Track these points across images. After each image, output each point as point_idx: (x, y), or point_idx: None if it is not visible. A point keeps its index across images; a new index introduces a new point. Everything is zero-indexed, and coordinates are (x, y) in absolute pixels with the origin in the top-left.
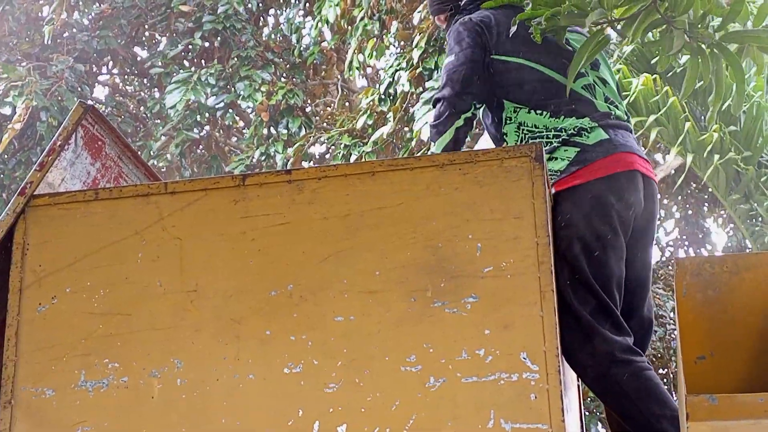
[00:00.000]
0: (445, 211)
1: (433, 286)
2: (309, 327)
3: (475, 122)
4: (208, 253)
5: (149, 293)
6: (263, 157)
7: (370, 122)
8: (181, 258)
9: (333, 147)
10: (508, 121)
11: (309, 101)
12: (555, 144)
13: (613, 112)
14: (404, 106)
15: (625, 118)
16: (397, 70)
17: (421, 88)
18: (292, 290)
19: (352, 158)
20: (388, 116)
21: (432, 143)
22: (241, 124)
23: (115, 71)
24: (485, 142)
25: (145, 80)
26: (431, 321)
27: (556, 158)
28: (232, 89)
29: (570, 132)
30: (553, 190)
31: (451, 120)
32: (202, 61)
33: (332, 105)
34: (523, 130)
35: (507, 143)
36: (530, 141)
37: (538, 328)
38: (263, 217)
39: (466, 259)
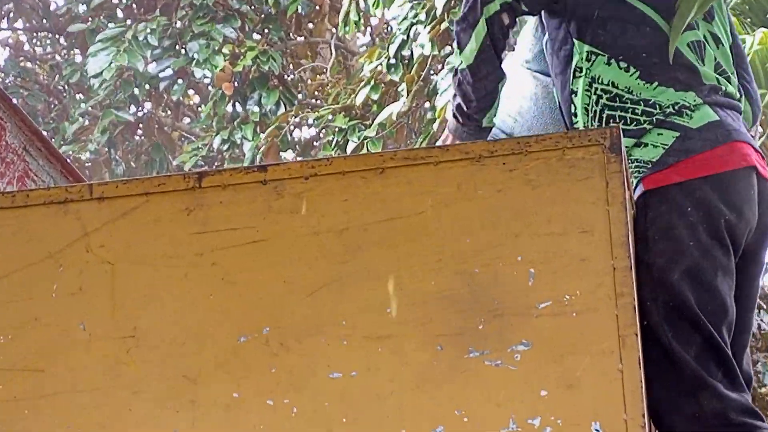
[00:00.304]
0: (484, 222)
1: (468, 329)
2: (293, 387)
3: (517, 19)
4: (150, 284)
5: (69, 340)
6: (225, 146)
7: (374, 97)
8: (113, 290)
9: (323, 131)
10: (577, 72)
11: (290, 68)
12: (645, 124)
13: (724, 87)
14: (423, 74)
15: (738, 96)
16: (413, 24)
17: (447, 49)
18: (269, 335)
19: (350, 147)
20: (400, 89)
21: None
22: (196, 99)
23: (18, 25)
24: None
25: (60, 38)
26: (465, 378)
27: (646, 144)
28: (182, 51)
29: (667, 109)
30: (638, 190)
31: (483, 4)
32: (140, 12)
33: (323, 72)
34: (596, 90)
35: (575, 109)
36: (606, 110)
37: (617, 387)
38: (228, 233)
39: (513, 290)
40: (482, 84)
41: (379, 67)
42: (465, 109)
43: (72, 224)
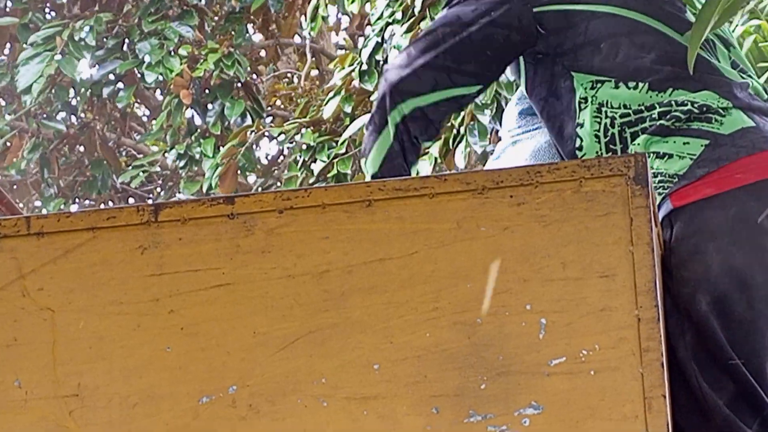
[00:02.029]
0: (488, 265)
1: (469, 389)
2: None
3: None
4: (97, 335)
5: (2, 399)
6: (182, 163)
7: (347, 109)
8: (53, 342)
9: (290, 148)
10: (582, 104)
11: (257, 74)
12: (666, 129)
13: (750, 83)
14: None
15: (766, 96)
16: (388, 24)
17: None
18: (236, 395)
19: (317, 168)
20: (372, 98)
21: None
22: (145, 110)
23: None
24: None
25: None
26: None
27: (671, 156)
28: (130, 53)
29: (692, 112)
30: (664, 208)
31: (393, 108)
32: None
33: (289, 78)
34: (607, 114)
35: (581, 141)
36: (626, 128)
37: None
38: (188, 276)
39: (521, 344)
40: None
41: (353, 74)
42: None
43: (6, 264)
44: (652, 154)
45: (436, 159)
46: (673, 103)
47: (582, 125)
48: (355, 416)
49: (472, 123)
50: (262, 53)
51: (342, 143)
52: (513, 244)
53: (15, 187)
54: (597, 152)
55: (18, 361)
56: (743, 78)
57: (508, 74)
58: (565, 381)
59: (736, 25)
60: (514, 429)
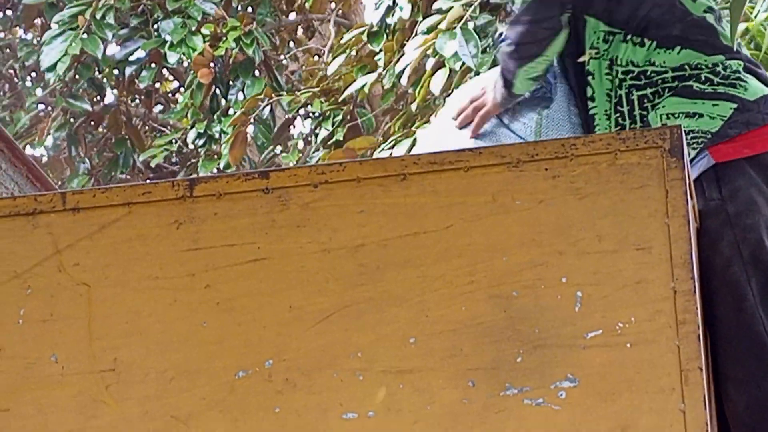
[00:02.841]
0: (524, 238)
1: (505, 363)
2: (300, 430)
3: None
4: (133, 310)
5: (39, 374)
6: (201, 141)
7: (355, 73)
8: (89, 317)
9: (301, 116)
10: (593, 53)
11: (281, 50)
12: (692, 92)
13: (745, 53)
14: (405, 42)
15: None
16: None
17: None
18: (273, 369)
19: (320, 135)
20: (377, 58)
21: (503, 87)
22: (173, 85)
23: None
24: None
25: (7, 12)
26: (501, 419)
27: (701, 115)
28: (153, 32)
29: (714, 76)
30: (703, 163)
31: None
32: None
33: (320, 54)
34: (617, 73)
35: (592, 91)
36: (634, 90)
37: (678, 430)
38: (224, 250)
39: (557, 317)
40: (535, 27)
41: (356, 37)
42: (508, 55)
43: (42, 239)
44: (681, 114)
45: None
46: (686, 66)
47: (593, 76)
48: (391, 390)
49: None
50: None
51: (341, 111)
52: (548, 217)
53: (43, 161)
54: (606, 111)
55: (54, 336)
56: (741, 47)
57: None
58: (602, 354)
59: (758, 12)
60: (550, 402)
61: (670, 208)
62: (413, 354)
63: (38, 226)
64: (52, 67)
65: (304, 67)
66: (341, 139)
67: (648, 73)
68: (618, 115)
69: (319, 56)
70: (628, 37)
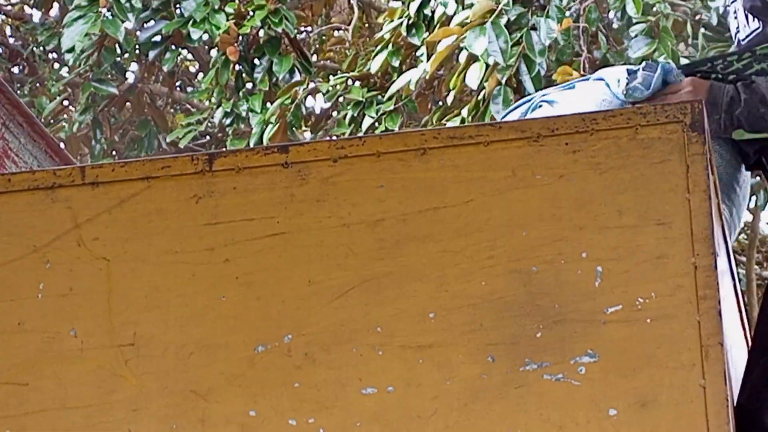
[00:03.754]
0: (543, 213)
1: (524, 338)
2: (319, 404)
3: None
4: (152, 284)
5: (58, 349)
6: (228, 120)
7: (395, 63)
8: (108, 291)
9: (338, 104)
10: None
11: (305, 28)
12: None
13: None
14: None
15: None
16: None
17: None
18: (292, 344)
19: (365, 123)
20: (419, 53)
21: None
22: (195, 65)
23: None
24: None
25: None
26: (520, 394)
27: None
28: (175, 12)
29: None
30: None
31: None
32: None
33: (343, 30)
34: None
35: None
36: None
37: (698, 406)
38: (243, 225)
39: (577, 292)
40: None
41: (401, 29)
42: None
43: (61, 214)
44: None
45: (463, 119)
46: None
47: None
48: (411, 364)
49: (498, 88)
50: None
51: (390, 99)
52: (568, 192)
53: (63, 141)
54: None
55: (73, 311)
56: None
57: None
58: (622, 329)
59: None
60: (570, 377)
61: (690, 183)
62: (433, 329)
63: (57, 201)
64: (73, 49)
65: (324, 44)
66: (395, 128)
67: None
68: None
69: (340, 35)
70: None
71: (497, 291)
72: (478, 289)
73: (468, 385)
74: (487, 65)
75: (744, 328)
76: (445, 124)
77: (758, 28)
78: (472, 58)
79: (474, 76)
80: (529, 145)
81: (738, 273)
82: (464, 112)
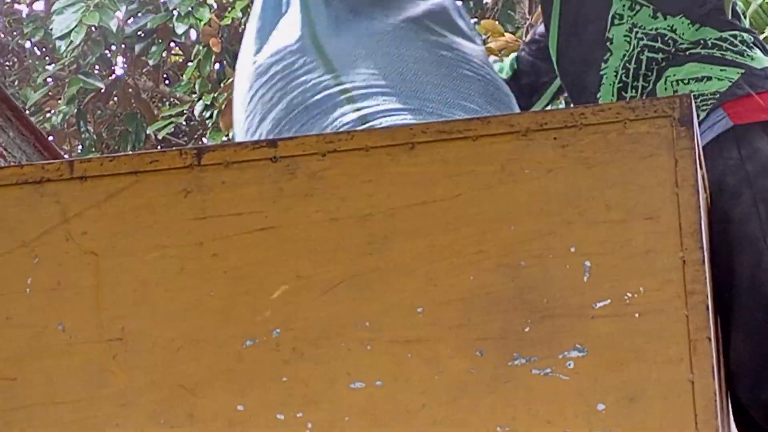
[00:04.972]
0: (532, 207)
1: (513, 332)
2: (307, 399)
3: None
4: (141, 279)
5: (46, 343)
6: (208, 113)
7: None
8: (97, 286)
9: None
10: (617, 20)
11: None
12: (702, 57)
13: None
14: None
15: None
16: None
17: None
18: (280, 339)
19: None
20: None
21: None
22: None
23: None
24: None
25: None
26: (509, 389)
27: (709, 78)
28: (162, 6)
29: (723, 44)
30: (720, 125)
31: None
32: None
33: None
34: (636, 34)
35: (609, 54)
36: (645, 51)
37: (686, 401)
38: (232, 219)
39: (566, 287)
40: None
41: None
42: None
43: (49, 208)
44: (691, 80)
45: None
46: (701, 41)
47: (611, 41)
48: (399, 359)
49: None
50: None
51: None
52: (557, 187)
53: (50, 136)
54: (615, 70)
55: (61, 305)
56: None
57: None
58: (610, 324)
59: None
60: (558, 371)
61: (679, 177)
62: (421, 323)
63: (45, 195)
64: (66, 36)
65: None
66: None
67: (666, 38)
68: (624, 72)
69: None
70: (658, 13)
71: (486, 286)
72: (466, 284)
73: (456, 379)
74: None
75: None
76: None
77: None
78: None
79: None
80: (518, 139)
81: None
82: None
